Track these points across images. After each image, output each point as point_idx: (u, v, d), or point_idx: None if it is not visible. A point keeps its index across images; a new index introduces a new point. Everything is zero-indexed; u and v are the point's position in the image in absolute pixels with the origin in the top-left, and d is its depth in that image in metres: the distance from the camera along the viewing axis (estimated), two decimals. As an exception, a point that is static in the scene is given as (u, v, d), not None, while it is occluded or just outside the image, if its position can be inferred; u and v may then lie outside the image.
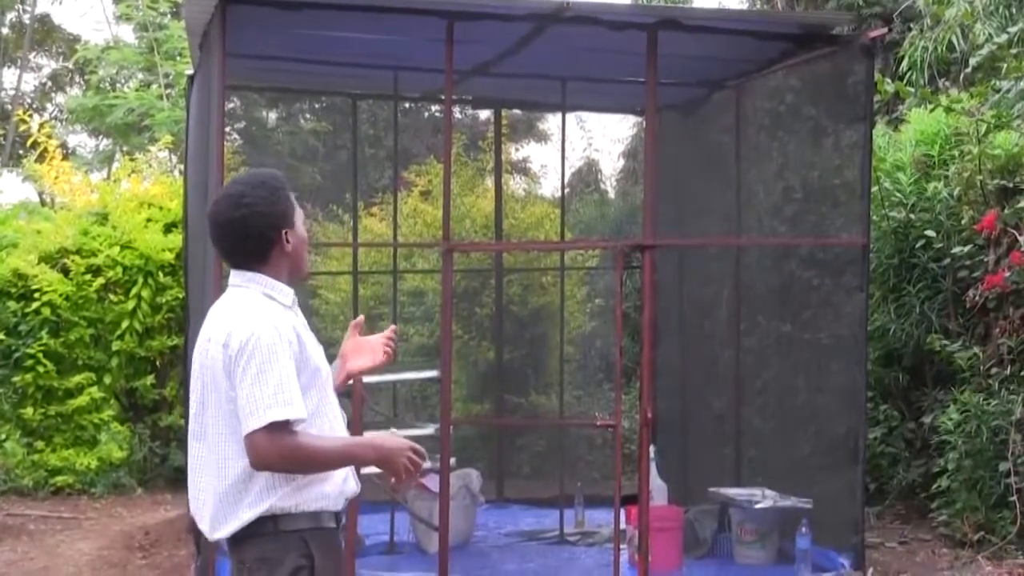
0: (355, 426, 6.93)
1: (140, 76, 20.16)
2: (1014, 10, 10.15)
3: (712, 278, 11.27)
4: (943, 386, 10.48)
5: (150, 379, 13.41)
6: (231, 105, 17.94)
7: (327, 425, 4.10)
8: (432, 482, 9.15)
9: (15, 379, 13.03)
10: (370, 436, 4.18)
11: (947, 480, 9.83)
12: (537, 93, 12.19)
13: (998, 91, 10.01)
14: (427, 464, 4.12)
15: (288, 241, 4.16)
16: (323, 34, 9.17)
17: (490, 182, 13.72)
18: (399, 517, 9.77)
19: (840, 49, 9.27)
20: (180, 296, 12.85)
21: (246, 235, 4.12)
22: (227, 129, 12.27)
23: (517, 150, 21.20)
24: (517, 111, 16.90)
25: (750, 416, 10.66)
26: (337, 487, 4.13)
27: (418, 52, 9.48)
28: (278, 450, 3.89)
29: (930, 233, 10.57)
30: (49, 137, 16.24)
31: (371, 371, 4.48)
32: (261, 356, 3.94)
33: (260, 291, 4.14)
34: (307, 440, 3.94)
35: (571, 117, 13.73)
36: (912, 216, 10.77)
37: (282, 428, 3.88)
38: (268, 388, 3.89)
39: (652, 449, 8.78)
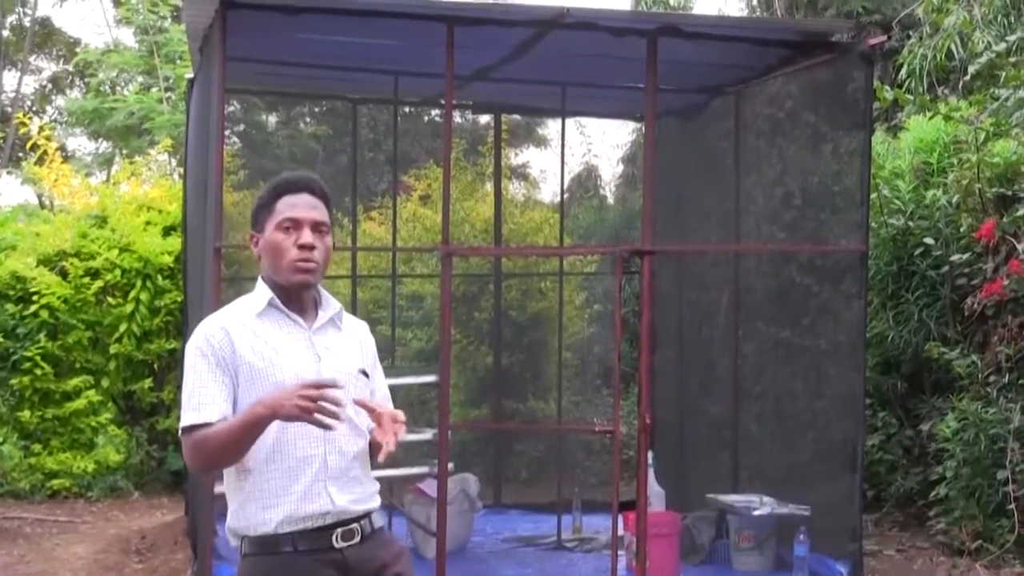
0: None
1: (140, 79, 20.16)
2: (1012, 19, 10.16)
3: (711, 284, 11.25)
4: (941, 394, 10.48)
5: (148, 382, 13.40)
6: (231, 108, 17.95)
7: (274, 426, 3.97)
8: (430, 487, 9.16)
9: (12, 382, 13.03)
10: (269, 393, 3.93)
11: (945, 488, 9.83)
12: (537, 98, 12.20)
13: (997, 99, 10.03)
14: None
15: (256, 244, 4.25)
16: (323, 38, 9.15)
17: (489, 187, 13.70)
18: (396, 522, 9.75)
19: (839, 56, 9.22)
20: (178, 299, 12.87)
21: None
22: (227, 133, 12.28)
23: (517, 155, 21.21)
24: (517, 116, 16.89)
25: (748, 422, 10.63)
26: (287, 510, 4.04)
27: (418, 57, 9.49)
28: (189, 448, 4.03)
29: (929, 240, 10.58)
30: (49, 140, 16.24)
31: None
32: (186, 361, 4.10)
33: (254, 292, 4.25)
34: (208, 430, 3.97)
35: (571, 122, 13.77)
36: (911, 223, 10.78)
37: (192, 430, 4.00)
38: (184, 394, 4.05)
39: (650, 455, 8.79)
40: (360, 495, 4.20)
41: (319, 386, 3.82)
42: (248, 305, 4.20)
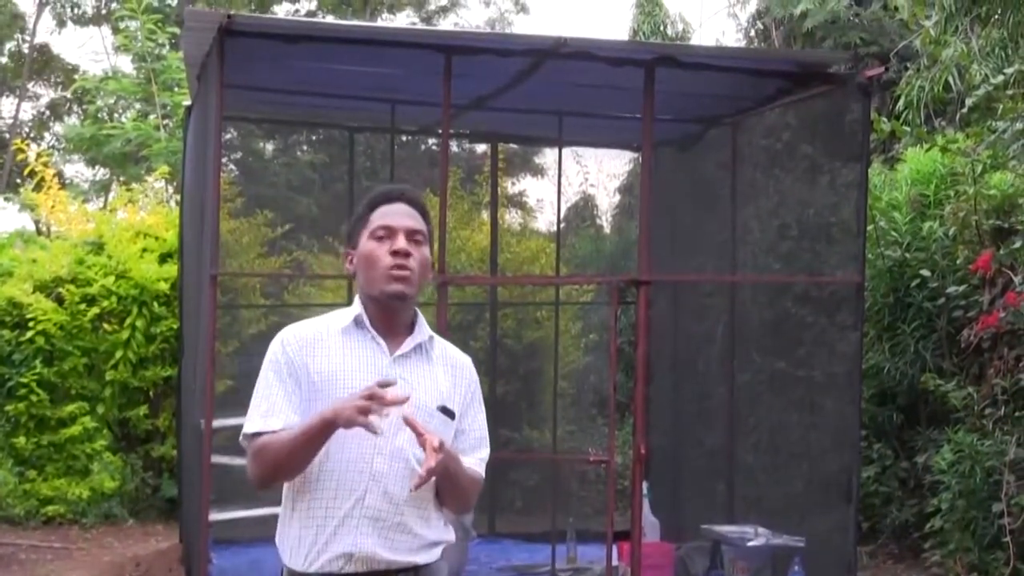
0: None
1: (138, 106, 20.11)
2: (1010, 51, 10.16)
3: (707, 314, 11.27)
4: (937, 426, 10.46)
5: (143, 409, 13.34)
6: (228, 136, 17.93)
7: (319, 457, 3.76)
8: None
9: (8, 408, 12.97)
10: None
11: (940, 520, 9.79)
12: (534, 128, 12.23)
13: (994, 132, 10.02)
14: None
15: (350, 262, 4.05)
16: (321, 67, 9.18)
17: (486, 216, 13.68)
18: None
19: (837, 88, 9.28)
20: (174, 326, 12.84)
21: None
22: (224, 160, 12.28)
23: (513, 184, 21.16)
24: (514, 145, 16.88)
25: (743, 453, 10.65)
26: (311, 544, 3.82)
27: (415, 86, 9.52)
28: (250, 456, 3.87)
29: (925, 272, 10.59)
30: (46, 166, 16.17)
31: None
32: (262, 367, 3.94)
33: (350, 308, 4.03)
34: (270, 436, 3.80)
35: (567, 152, 13.69)
36: (907, 255, 10.80)
37: (255, 437, 3.84)
38: (252, 400, 3.89)
39: (645, 485, 8.80)
40: (405, 544, 3.88)
41: (383, 385, 3.62)
42: (336, 320, 3.99)
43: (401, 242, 3.93)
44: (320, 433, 3.70)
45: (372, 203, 4.03)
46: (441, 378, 4.03)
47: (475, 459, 4.05)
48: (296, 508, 3.89)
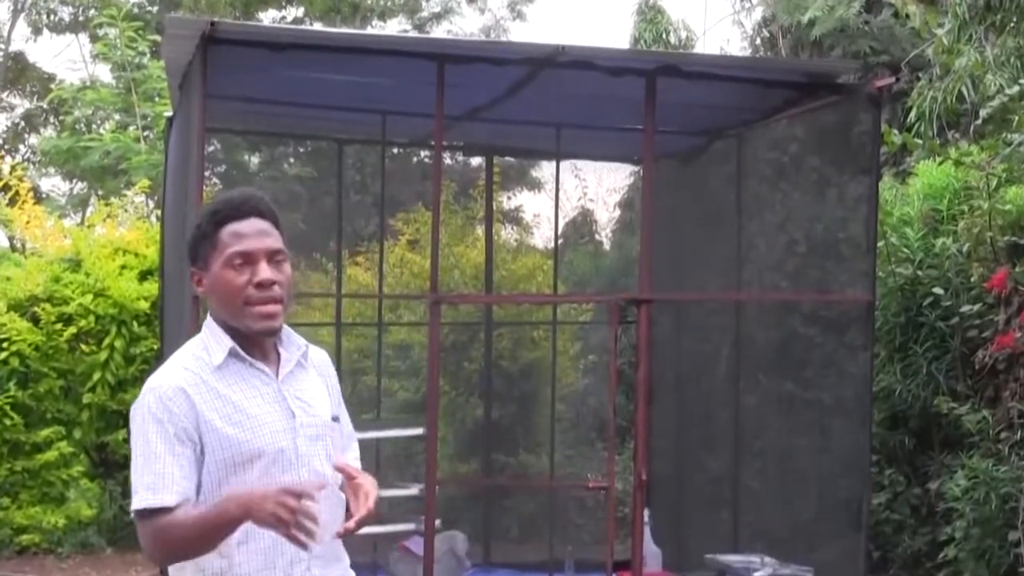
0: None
1: (117, 117, 20.02)
2: (1026, 61, 10.09)
3: (710, 334, 11.21)
4: (951, 450, 10.30)
5: (122, 434, 13.04)
6: (211, 148, 17.81)
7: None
8: (416, 545, 9.23)
9: (-20, 433, 12.75)
10: (243, 490, 3.45)
11: (954, 549, 9.62)
12: (530, 140, 12.19)
13: (1009, 144, 10.03)
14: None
15: (199, 283, 3.69)
16: (308, 76, 9.06)
17: (480, 231, 13.71)
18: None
19: (846, 98, 9.21)
20: (155, 347, 12.68)
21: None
22: (207, 173, 12.11)
23: (509, 198, 21.10)
24: (509, 158, 16.81)
25: (749, 478, 10.57)
26: None
27: (407, 96, 9.43)
28: (149, 536, 3.50)
29: (938, 291, 10.44)
30: (21, 180, 16.14)
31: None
32: (135, 428, 3.55)
33: (203, 335, 3.69)
34: (171, 518, 3.45)
35: (566, 165, 13.61)
36: (919, 273, 10.67)
37: (150, 514, 3.47)
38: (136, 468, 3.51)
39: (646, 512, 8.78)
40: (339, 573, 3.77)
41: (300, 495, 3.32)
42: (204, 356, 3.65)
43: (264, 272, 3.59)
44: (229, 525, 3.41)
45: (218, 218, 3.64)
46: (320, 385, 3.86)
47: (351, 458, 3.90)
48: (229, 564, 3.57)
